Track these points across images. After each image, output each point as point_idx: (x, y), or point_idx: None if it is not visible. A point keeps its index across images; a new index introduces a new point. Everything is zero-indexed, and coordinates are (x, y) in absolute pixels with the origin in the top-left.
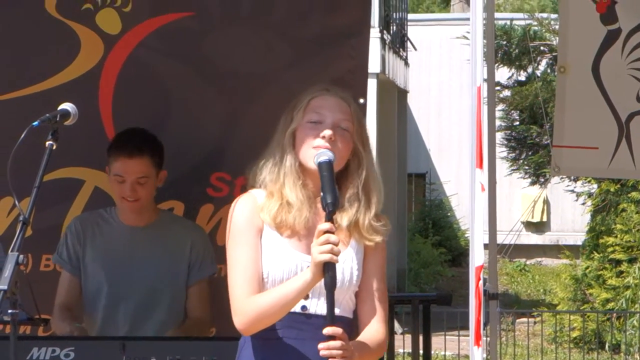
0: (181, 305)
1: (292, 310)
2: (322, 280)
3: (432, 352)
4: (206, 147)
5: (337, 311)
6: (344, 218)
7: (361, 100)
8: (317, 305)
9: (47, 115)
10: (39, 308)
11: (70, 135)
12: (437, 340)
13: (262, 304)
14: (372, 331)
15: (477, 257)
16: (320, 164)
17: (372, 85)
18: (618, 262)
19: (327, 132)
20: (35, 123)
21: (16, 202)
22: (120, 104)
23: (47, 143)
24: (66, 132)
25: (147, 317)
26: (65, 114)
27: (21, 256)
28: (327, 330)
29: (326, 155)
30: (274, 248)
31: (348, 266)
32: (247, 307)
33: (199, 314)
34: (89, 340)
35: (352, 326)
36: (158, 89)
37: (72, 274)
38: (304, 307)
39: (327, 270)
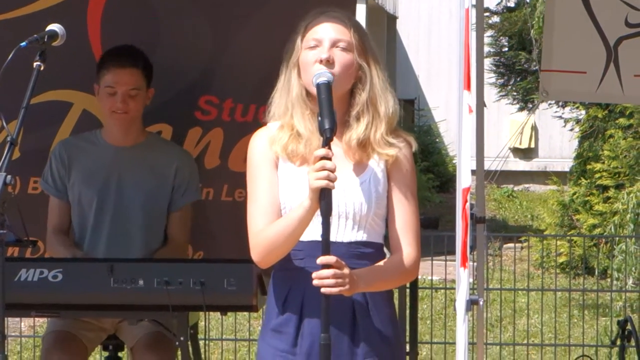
0: (161, 227)
1: (312, 238)
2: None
3: (420, 276)
4: (195, 71)
5: (362, 236)
6: (352, 137)
7: None
8: (338, 233)
9: (35, 35)
10: (27, 230)
11: (58, 58)
12: (424, 265)
13: (270, 235)
14: (395, 257)
15: (464, 178)
16: (318, 86)
17: (361, 10)
18: (605, 188)
19: (324, 55)
20: (23, 44)
21: (4, 123)
22: (109, 26)
23: (35, 64)
24: (55, 55)
25: (127, 236)
26: (53, 34)
27: (9, 177)
28: (321, 260)
29: (325, 76)
30: (290, 178)
31: (366, 188)
32: (258, 240)
33: (180, 238)
34: (76, 262)
35: (383, 251)
36: (147, 12)
37: (59, 199)
38: (323, 235)
39: (323, 196)
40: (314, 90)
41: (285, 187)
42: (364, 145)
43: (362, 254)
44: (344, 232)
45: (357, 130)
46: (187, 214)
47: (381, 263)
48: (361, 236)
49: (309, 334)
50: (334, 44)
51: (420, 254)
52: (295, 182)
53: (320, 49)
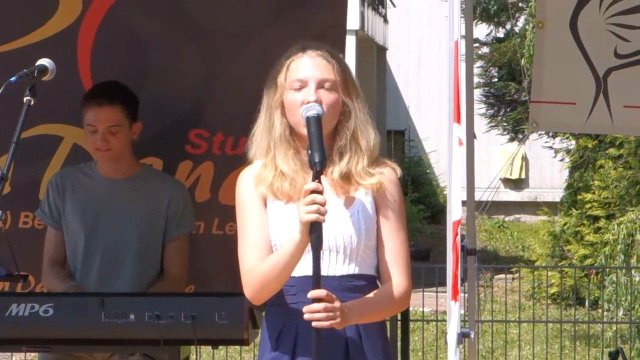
0: (155, 259)
1: (304, 274)
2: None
3: (411, 308)
4: (185, 104)
5: (355, 269)
6: (335, 171)
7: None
8: (329, 267)
9: (25, 70)
10: (18, 265)
11: (49, 92)
12: (415, 297)
13: (262, 271)
14: (386, 287)
15: (455, 211)
16: (308, 119)
17: (351, 42)
18: (596, 219)
19: (312, 98)
20: (13, 79)
21: None
22: (99, 60)
23: (25, 99)
24: (45, 88)
25: (119, 269)
26: (43, 69)
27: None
28: (312, 294)
29: (314, 109)
30: (279, 216)
31: (355, 220)
32: (251, 276)
33: (177, 270)
34: (67, 297)
35: (375, 283)
36: (137, 45)
37: (55, 229)
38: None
39: (314, 230)
40: (300, 130)
41: (275, 224)
42: (347, 178)
43: (355, 287)
44: (335, 265)
45: (339, 165)
46: (183, 245)
47: (372, 294)
48: (352, 269)
49: None
50: (319, 85)
51: (411, 283)
52: (284, 220)
53: (306, 90)
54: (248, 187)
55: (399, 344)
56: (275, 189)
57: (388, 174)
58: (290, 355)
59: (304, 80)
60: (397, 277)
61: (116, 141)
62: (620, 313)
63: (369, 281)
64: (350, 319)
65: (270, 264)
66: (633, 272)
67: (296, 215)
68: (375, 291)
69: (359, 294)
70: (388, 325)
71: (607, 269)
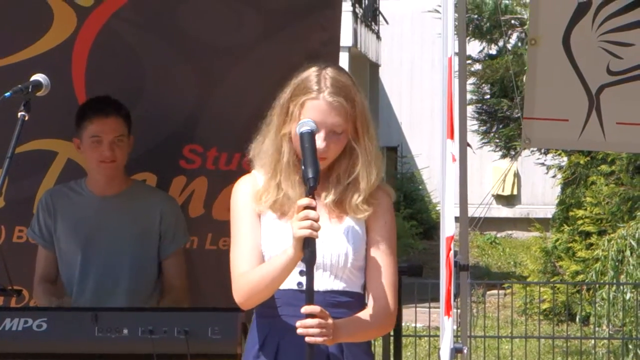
0: (150, 274)
1: (289, 287)
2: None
3: (403, 323)
4: (179, 119)
5: (342, 286)
6: (329, 197)
7: None
8: (315, 282)
9: (20, 86)
10: (12, 279)
11: (43, 107)
12: (408, 312)
13: (252, 279)
14: (373, 308)
15: (448, 227)
16: (302, 135)
17: (344, 58)
18: (588, 235)
19: (321, 146)
20: (8, 94)
21: None
22: (94, 76)
23: (20, 114)
24: (39, 104)
25: (114, 286)
26: (38, 84)
27: None
28: (305, 309)
29: (308, 125)
30: (273, 230)
31: (343, 240)
32: (241, 282)
33: (180, 283)
34: (61, 311)
35: (362, 300)
36: (131, 61)
37: (46, 249)
38: (299, 284)
39: (307, 245)
40: None
41: (268, 237)
42: (340, 204)
43: (339, 303)
44: (320, 281)
45: (333, 193)
46: (180, 260)
47: (361, 314)
48: (338, 285)
49: None
50: (329, 130)
51: (397, 306)
52: (277, 234)
53: (317, 136)
54: (245, 195)
55: (391, 359)
56: (276, 208)
57: (382, 201)
58: None
59: (317, 121)
60: (384, 300)
61: (120, 152)
62: (612, 329)
63: (356, 298)
64: (341, 337)
65: (260, 274)
66: (623, 288)
67: (289, 231)
68: (363, 312)
69: (345, 310)
70: (380, 340)
71: (599, 285)
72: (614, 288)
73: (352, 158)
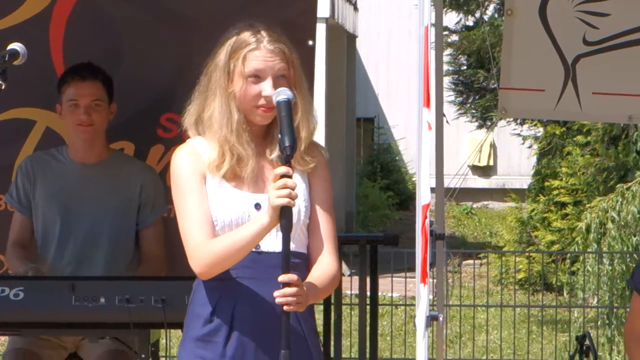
0: (129, 244)
1: None
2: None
3: (379, 293)
4: (157, 89)
5: (292, 247)
6: (274, 151)
7: (310, 43)
8: (269, 243)
9: None
10: None
11: (22, 76)
12: (384, 282)
13: (219, 248)
14: (323, 266)
15: (424, 195)
16: (279, 103)
17: (321, 30)
18: (563, 205)
19: (269, 92)
20: None
21: None
22: (72, 46)
23: None
24: (18, 73)
25: (93, 254)
26: (14, 53)
27: None
28: (282, 278)
29: (285, 94)
30: (220, 191)
31: (296, 200)
32: (204, 252)
33: (158, 253)
34: (38, 280)
35: (306, 262)
36: (110, 31)
37: (22, 214)
38: (257, 246)
39: (284, 214)
40: (254, 120)
41: (216, 201)
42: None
43: (292, 264)
44: (275, 242)
45: (278, 149)
46: (159, 229)
47: (317, 275)
48: (292, 247)
49: (240, 345)
50: (276, 75)
51: (340, 262)
52: (225, 196)
53: (265, 83)
54: (188, 163)
55: (367, 328)
56: (225, 171)
57: (320, 159)
58: (228, 326)
59: (261, 72)
60: (330, 257)
61: (97, 116)
62: (588, 298)
63: (302, 259)
64: (308, 301)
65: (228, 242)
66: (601, 258)
67: (236, 192)
68: (319, 274)
69: (296, 272)
70: (356, 310)
71: (576, 255)
72: (595, 258)
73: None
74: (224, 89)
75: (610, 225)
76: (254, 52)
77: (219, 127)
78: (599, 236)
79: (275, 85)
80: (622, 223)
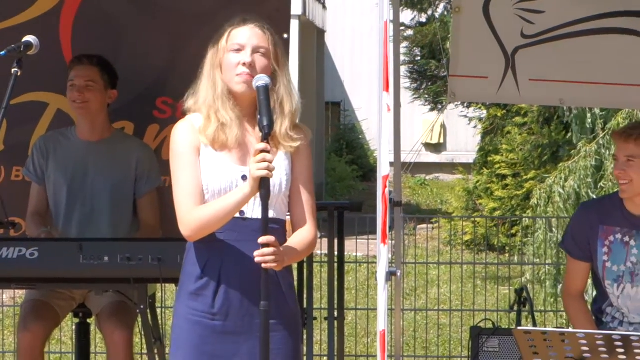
0: (127, 211)
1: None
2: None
3: (345, 253)
4: (152, 76)
5: (272, 214)
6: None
7: (285, 36)
8: (253, 211)
9: (13, 46)
10: (12, 211)
11: (36, 64)
12: (349, 243)
13: (206, 213)
14: (302, 232)
15: (384, 167)
16: (258, 88)
17: (294, 25)
18: (504, 177)
19: (247, 59)
20: (2, 53)
21: None
22: (79, 38)
23: (13, 70)
24: (33, 62)
25: (96, 219)
26: (29, 44)
27: None
28: (262, 240)
29: (263, 80)
30: (211, 163)
31: (278, 173)
32: (192, 217)
33: (152, 220)
34: (50, 242)
35: (286, 227)
36: (111, 25)
37: (39, 185)
38: (241, 212)
39: (263, 184)
40: (234, 88)
41: (207, 170)
42: (272, 138)
43: (271, 230)
44: (257, 209)
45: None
46: (153, 199)
47: (296, 240)
48: (270, 214)
49: (226, 298)
50: (255, 50)
51: (317, 230)
52: (216, 166)
53: (244, 53)
54: (185, 137)
55: (335, 283)
56: (214, 138)
57: (304, 139)
58: (216, 282)
59: (242, 44)
60: (309, 225)
61: (90, 95)
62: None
63: (281, 225)
64: (285, 262)
65: (215, 208)
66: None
67: (229, 163)
68: (297, 238)
69: (275, 236)
70: (325, 268)
71: (515, 220)
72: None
73: (275, 84)
74: (212, 65)
75: (557, 199)
76: (237, 28)
77: (206, 95)
78: (547, 207)
79: (254, 59)
80: (566, 197)
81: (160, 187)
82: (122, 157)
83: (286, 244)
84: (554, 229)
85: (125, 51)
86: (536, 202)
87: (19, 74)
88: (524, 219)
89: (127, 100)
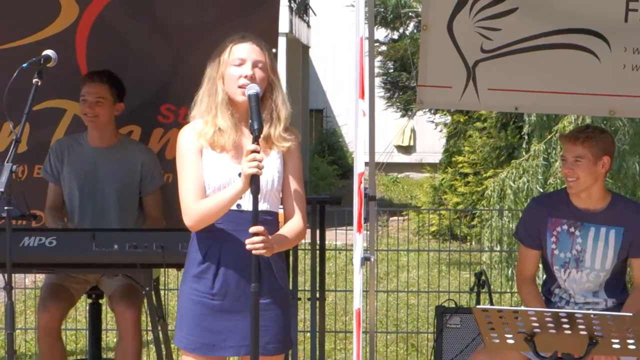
0: (133, 208)
1: (230, 208)
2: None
3: (326, 242)
4: (157, 85)
5: (266, 207)
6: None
7: (274, 50)
8: (248, 204)
9: (34, 59)
10: (33, 205)
11: (55, 75)
12: (330, 234)
13: (205, 207)
14: (292, 224)
15: (359, 166)
16: (249, 96)
17: (282, 42)
18: (466, 175)
19: (248, 73)
20: (25, 65)
21: (11, 126)
22: (93, 51)
23: (34, 80)
24: (52, 73)
25: (106, 215)
26: (48, 58)
27: (14, 166)
28: (252, 229)
29: (254, 89)
30: (212, 162)
31: (270, 171)
32: (194, 209)
33: (156, 214)
34: (67, 232)
35: (278, 219)
36: (120, 40)
37: (55, 184)
38: (238, 205)
39: (254, 181)
40: (236, 98)
41: (208, 169)
42: (267, 140)
43: (264, 221)
44: (251, 202)
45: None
46: (157, 196)
47: (286, 230)
48: (264, 206)
49: (225, 280)
50: (255, 64)
51: (306, 222)
52: (215, 165)
53: (245, 66)
54: (189, 140)
55: (317, 268)
56: (213, 142)
57: (294, 141)
58: (216, 265)
59: (243, 59)
60: (298, 217)
61: (100, 110)
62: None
63: (274, 217)
64: (274, 249)
65: (213, 202)
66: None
67: (227, 163)
68: (287, 228)
69: (267, 227)
70: (309, 254)
71: (474, 212)
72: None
73: (272, 93)
74: (214, 76)
75: (509, 192)
76: (238, 44)
77: (207, 103)
78: (500, 200)
79: (254, 72)
80: (517, 190)
81: (164, 185)
82: (128, 161)
83: (277, 233)
84: (505, 218)
85: (133, 63)
86: (490, 194)
87: (39, 84)
88: (482, 211)
89: (135, 106)
